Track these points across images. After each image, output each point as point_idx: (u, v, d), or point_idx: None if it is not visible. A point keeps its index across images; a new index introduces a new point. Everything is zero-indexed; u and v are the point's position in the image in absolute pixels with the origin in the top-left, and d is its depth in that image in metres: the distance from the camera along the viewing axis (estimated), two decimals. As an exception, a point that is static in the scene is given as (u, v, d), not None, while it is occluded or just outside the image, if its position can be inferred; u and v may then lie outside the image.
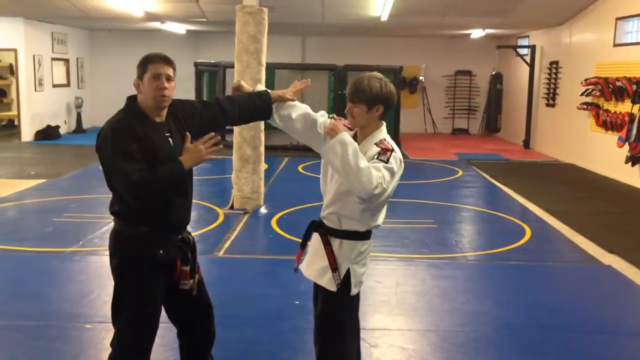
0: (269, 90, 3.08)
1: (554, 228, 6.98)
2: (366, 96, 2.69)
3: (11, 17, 13.19)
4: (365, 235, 2.82)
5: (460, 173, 10.76)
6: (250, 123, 3.50)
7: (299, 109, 2.99)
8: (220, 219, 7.06)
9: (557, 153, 12.77)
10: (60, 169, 10.30)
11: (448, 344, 3.97)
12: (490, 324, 4.29)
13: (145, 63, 2.69)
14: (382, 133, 2.78)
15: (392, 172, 2.63)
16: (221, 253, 5.80)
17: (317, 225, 2.87)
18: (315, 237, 2.88)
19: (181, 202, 2.85)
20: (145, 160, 2.62)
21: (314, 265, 2.85)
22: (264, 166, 7.70)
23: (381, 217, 2.83)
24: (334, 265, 2.76)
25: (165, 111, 2.77)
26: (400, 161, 2.70)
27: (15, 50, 13.67)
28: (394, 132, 13.91)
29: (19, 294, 4.65)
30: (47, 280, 4.97)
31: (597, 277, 5.44)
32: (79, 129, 15.73)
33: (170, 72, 2.71)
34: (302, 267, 2.93)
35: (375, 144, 2.71)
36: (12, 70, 14.89)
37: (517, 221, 7.29)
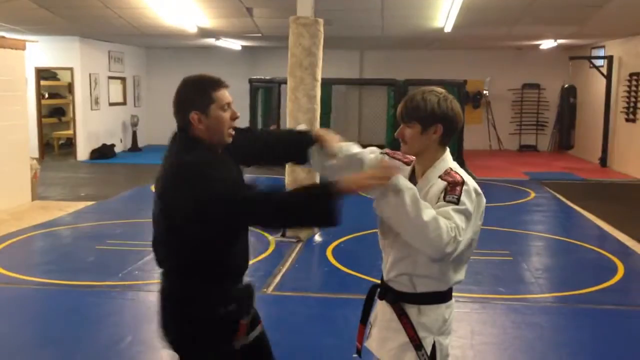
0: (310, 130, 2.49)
1: (651, 263, 6.10)
2: (420, 113, 2.06)
3: (67, 35, 13.15)
4: (448, 296, 2.16)
5: (533, 195, 9.87)
6: (281, 163, 2.81)
7: (344, 150, 2.38)
8: (271, 248, 6.48)
9: (640, 172, 11.68)
10: (111, 189, 10.00)
11: (542, 420, 3.23)
12: (592, 392, 3.53)
13: (209, 90, 2.14)
14: (447, 162, 2.11)
15: (467, 215, 1.95)
16: (270, 290, 5.21)
17: (384, 292, 2.21)
18: (383, 306, 2.22)
19: (246, 238, 2.32)
20: None
21: (388, 344, 2.17)
22: (318, 189, 7.10)
23: (465, 268, 2.17)
24: (417, 342, 2.09)
25: None
26: (477, 193, 2.03)
27: (71, 69, 13.64)
28: (458, 150, 13.13)
29: (43, 338, 4.18)
30: (77, 321, 4.48)
31: None
32: (134, 147, 15.59)
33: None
34: (371, 345, 2.26)
35: (440, 177, 2.05)
36: (70, 89, 14.90)
37: (605, 253, 6.42)
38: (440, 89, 2.12)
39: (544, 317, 4.72)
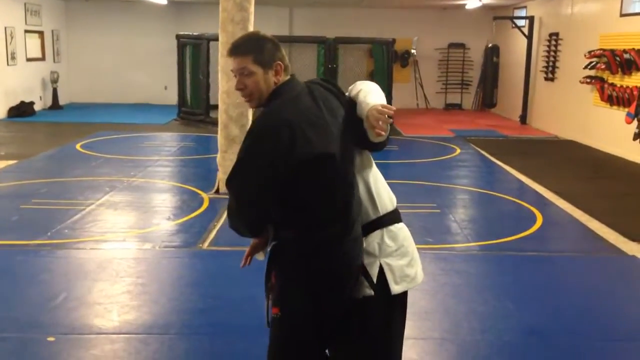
0: None
1: (567, 212, 6.47)
2: None
3: (-22, -15, 12.35)
4: (384, 222, 2.31)
5: (458, 151, 10.21)
6: None
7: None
8: (205, 204, 6.46)
9: (556, 129, 12.26)
10: (33, 148, 9.61)
11: (468, 357, 3.45)
12: (514, 330, 3.76)
13: None
14: None
15: None
16: (206, 245, 5.22)
17: None
18: None
19: None
20: None
21: None
22: (251, 146, 7.09)
23: (386, 194, 2.38)
24: (363, 269, 2.26)
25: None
26: None
27: (-16, 22, 12.85)
28: (387, 108, 13.29)
29: (-28, 298, 4.05)
30: (6, 280, 4.36)
31: (623, 269, 4.94)
32: (55, 105, 14.92)
33: (242, 63, 2.20)
34: None
35: None
36: (-18, 43, 14.03)
37: (525, 204, 6.77)
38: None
39: (471, 264, 4.97)
